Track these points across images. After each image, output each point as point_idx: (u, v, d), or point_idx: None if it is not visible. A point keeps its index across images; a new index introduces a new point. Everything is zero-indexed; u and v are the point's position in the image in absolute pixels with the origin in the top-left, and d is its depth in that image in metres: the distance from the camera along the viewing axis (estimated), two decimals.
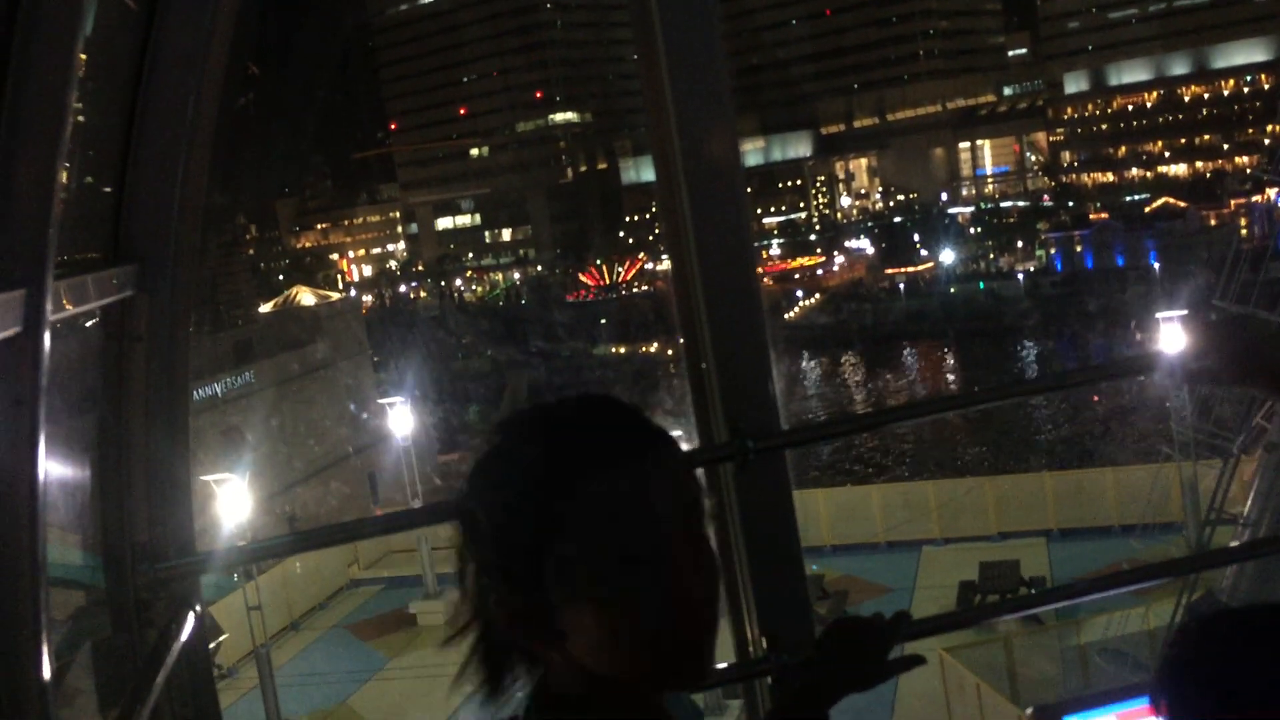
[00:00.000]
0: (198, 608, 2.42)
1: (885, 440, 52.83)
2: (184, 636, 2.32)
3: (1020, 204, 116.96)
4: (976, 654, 18.59)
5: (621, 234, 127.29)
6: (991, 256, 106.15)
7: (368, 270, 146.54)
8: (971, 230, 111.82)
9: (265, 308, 62.10)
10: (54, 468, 2.08)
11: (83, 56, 1.74)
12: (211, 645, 21.10)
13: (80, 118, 2.39)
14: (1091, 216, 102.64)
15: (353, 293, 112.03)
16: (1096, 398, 53.13)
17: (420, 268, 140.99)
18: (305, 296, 58.07)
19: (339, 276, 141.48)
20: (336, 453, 45.96)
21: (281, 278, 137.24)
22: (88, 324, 2.47)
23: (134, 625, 2.34)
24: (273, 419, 42.82)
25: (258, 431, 41.80)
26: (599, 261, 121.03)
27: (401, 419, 31.41)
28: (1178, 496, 24.05)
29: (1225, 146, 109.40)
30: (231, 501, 24.53)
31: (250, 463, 35.87)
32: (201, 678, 2.50)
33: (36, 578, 1.72)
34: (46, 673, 1.74)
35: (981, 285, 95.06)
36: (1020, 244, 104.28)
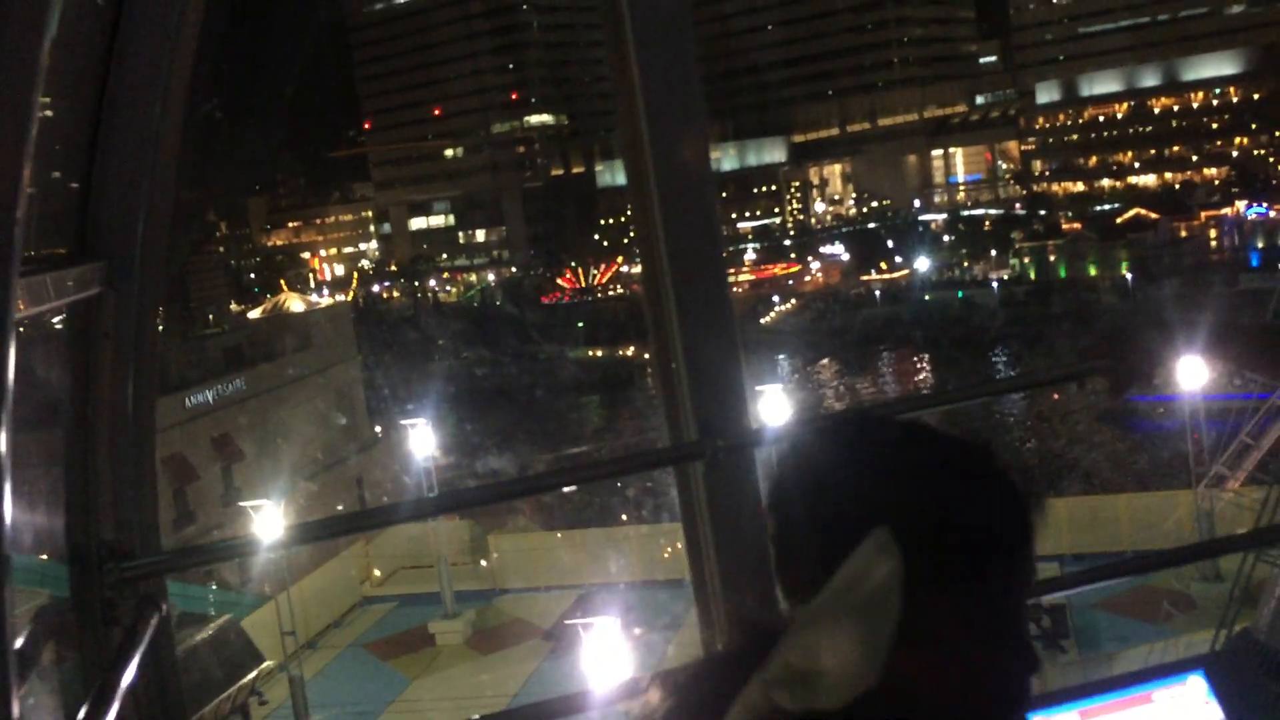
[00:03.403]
0: (164, 607, 2.41)
1: None
2: (150, 635, 2.31)
3: (993, 212, 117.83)
4: None
5: (597, 237, 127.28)
6: (965, 264, 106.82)
7: (340, 270, 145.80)
8: (945, 238, 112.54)
9: (254, 313, 62.20)
10: (20, 466, 2.07)
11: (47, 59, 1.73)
12: (253, 674, 21.09)
13: (48, 112, 2.38)
14: (1064, 226, 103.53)
15: (325, 293, 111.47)
16: (1056, 395, 54.55)
17: (394, 268, 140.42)
18: (294, 302, 58.08)
19: (311, 275, 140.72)
20: (326, 459, 45.95)
21: (253, 276, 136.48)
22: (55, 322, 2.45)
23: (100, 624, 2.33)
24: (263, 426, 42.79)
25: (248, 439, 41.79)
26: (574, 264, 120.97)
27: (423, 440, 30.66)
28: (1189, 525, 24.31)
29: (1194, 158, 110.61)
30: (268, 527, 24.32)
31: (285, 489, 35.96)
32: (167, 676, 2.48)
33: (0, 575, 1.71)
34: (9, 671, 1.73)
35: (961, 294, 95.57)
36: (994, 252, 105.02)
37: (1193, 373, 25.15)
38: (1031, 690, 1.18)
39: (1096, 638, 22.94)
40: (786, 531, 1.25)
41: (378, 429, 55.73)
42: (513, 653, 26.90)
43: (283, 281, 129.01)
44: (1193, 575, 23.99)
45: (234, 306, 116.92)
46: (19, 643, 2.25)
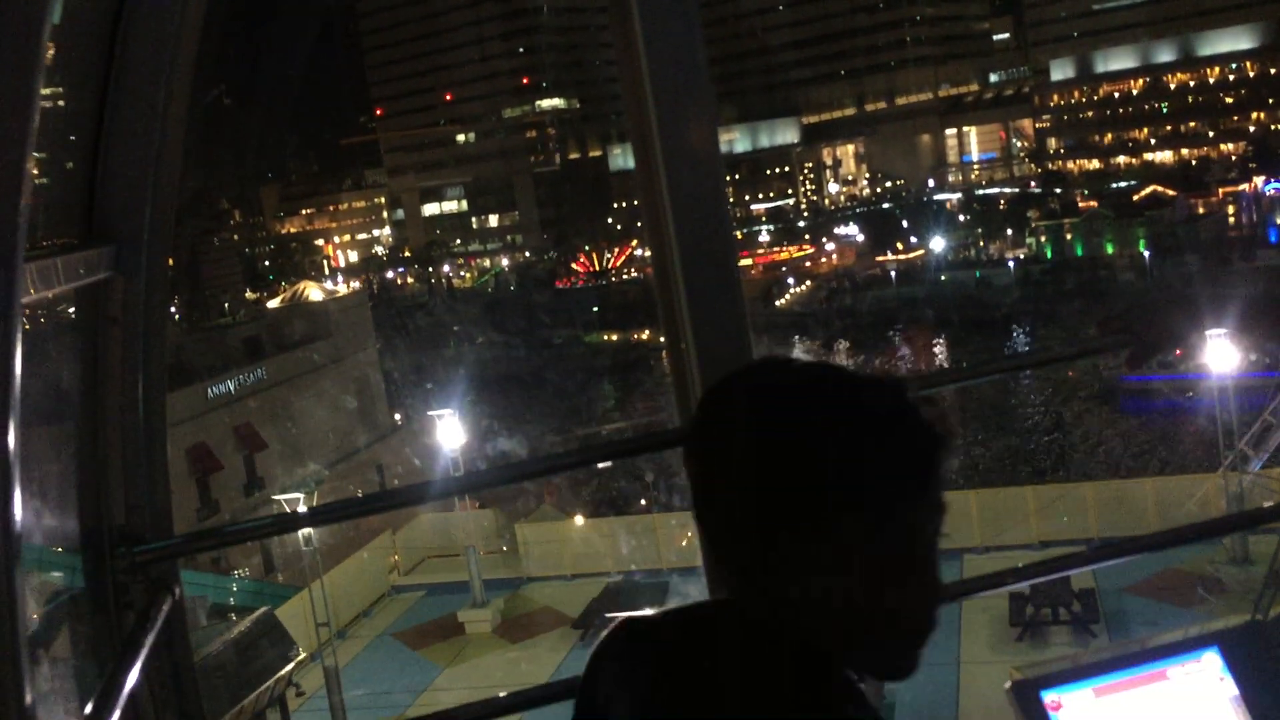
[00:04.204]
0: (176, 591, 2.42)
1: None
2: (162, 619, 2.32)
3: (1008, 191, 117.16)
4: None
5: (610, 220, 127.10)
6: (981, 244, 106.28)
7: (354, 256, 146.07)
8: (961, 217, 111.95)
9: (273, 302, 62.64)
10: (30, 451, 2.08)
11: (51, 46, 1.73)
12: (290, 666, 21.18)
13: (60, 102, 2.38)
14: (1080, 204, 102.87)
15: (340, 279, 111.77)
16: (1072, 372, 54.76)
17: (407, 254, 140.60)
18: (313, 291, 58.42)
19: (325, 262, 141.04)
20: (347, 447, 46.33)
21: (267, 263, 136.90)
22: (68, 310, 2.46)
23: (112, 609, 2.34)
24: (285, 415, 43.14)
25: (270, 428, 42.09)
26: (588, 248, 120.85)
27: (451, 432, 30.35)
28: (1218, 507, 24.22)
29: (1211, 134, 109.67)
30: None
31: (316, 480, 36.06)
32: (181, 661, 2.50)
33: (10, 560, 1.72)
34: (21, 656, 1.74)
35: (978, 274, 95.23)
36: (1010, 231, 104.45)
37: (1216, 351, 25.00)
38: (937, 620, 1.26)
39: (1127, 622, 22.87)
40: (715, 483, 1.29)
41: (397, 416, 56.04)
42: (542, 641, 27.01)
43: (304, 268, 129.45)
44: (1222, 559, 23.93)
45: (249, 294, 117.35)
46: (34, 629, 2.27)
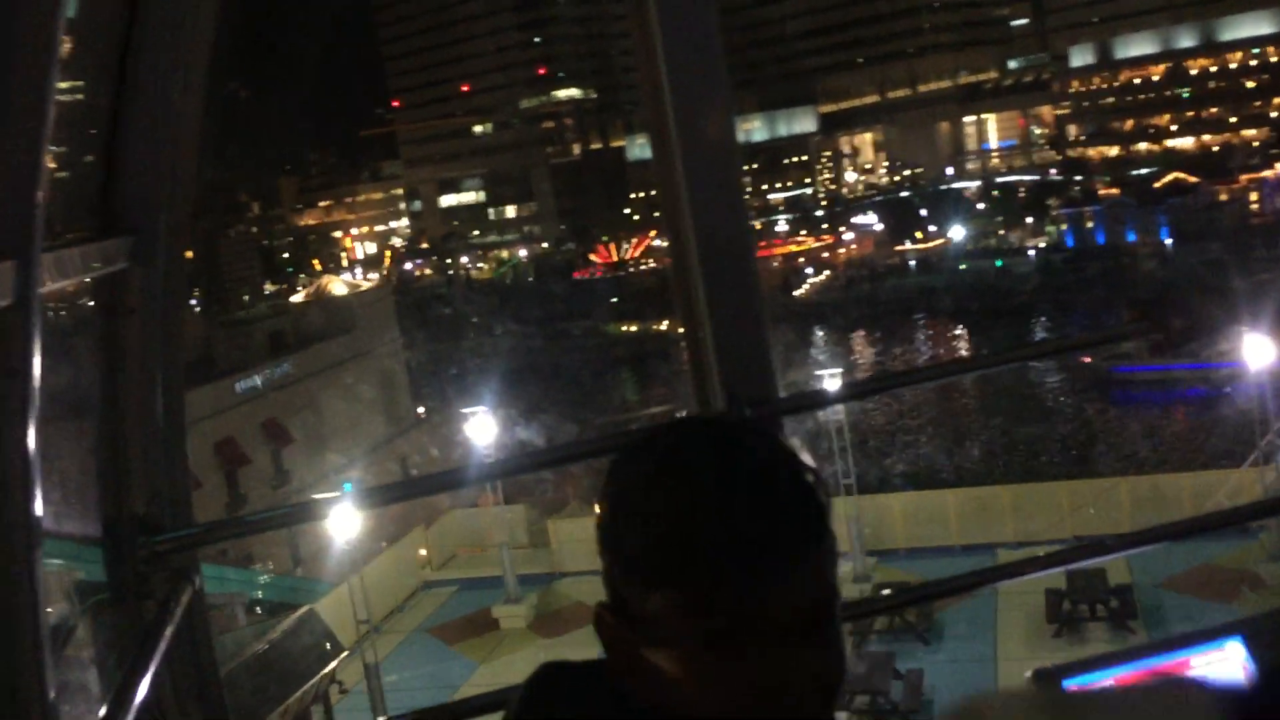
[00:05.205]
0: (196, 580, 2.43)
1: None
2: (182, 608, 2.33)
3: (1027, 178, 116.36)
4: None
5: (628, 211, 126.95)
6: (1001, 232, 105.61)
7: (371, 248, 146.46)
8: (980, 205, 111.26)
9: (297, 297, 63.12)
10: (51, 441, 2.09)
11: (67, 40, 1.73)
12: (334, 664, 21.16)
13: (79, 96, 2.39)
14: (1101, 192, 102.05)
15: (359, 272, 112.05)
16: (1089, 359, 54.02)
17: (425, 245, 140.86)
18: (336, 286, 58.80)
19: (343, 255, 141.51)
20: (371, 440, 46.72)
21: (286, 255, 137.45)
22: (88, 302, 2.47)
23: (133, 597, 2.35)
24: (310, 409, 43.56)
25: (296, 422, 42.44)
26: (605, 239, 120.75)
27: (484, 430, 30.61)
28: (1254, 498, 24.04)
29: (1233, 120, 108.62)
30: (340, 520, 24.45)
31: (357, 480, 36.28)
32: (201, 648, 2.51)
33: (31, 549, 1.73)
34: (43, 644, 1.75)
35: (999, 263, 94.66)
36: (1030, 219, 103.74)
37: (1250, 344, 24.70)
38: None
39: (1164, 618, 22.70)
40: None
41: (420, 409, 56.33)
42: (576, 635, 26.99)
43: (316, 263, 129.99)
44: (1260, 555, 23.72)
45: (268, 286, 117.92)
46: (56, 619, 2.28)
